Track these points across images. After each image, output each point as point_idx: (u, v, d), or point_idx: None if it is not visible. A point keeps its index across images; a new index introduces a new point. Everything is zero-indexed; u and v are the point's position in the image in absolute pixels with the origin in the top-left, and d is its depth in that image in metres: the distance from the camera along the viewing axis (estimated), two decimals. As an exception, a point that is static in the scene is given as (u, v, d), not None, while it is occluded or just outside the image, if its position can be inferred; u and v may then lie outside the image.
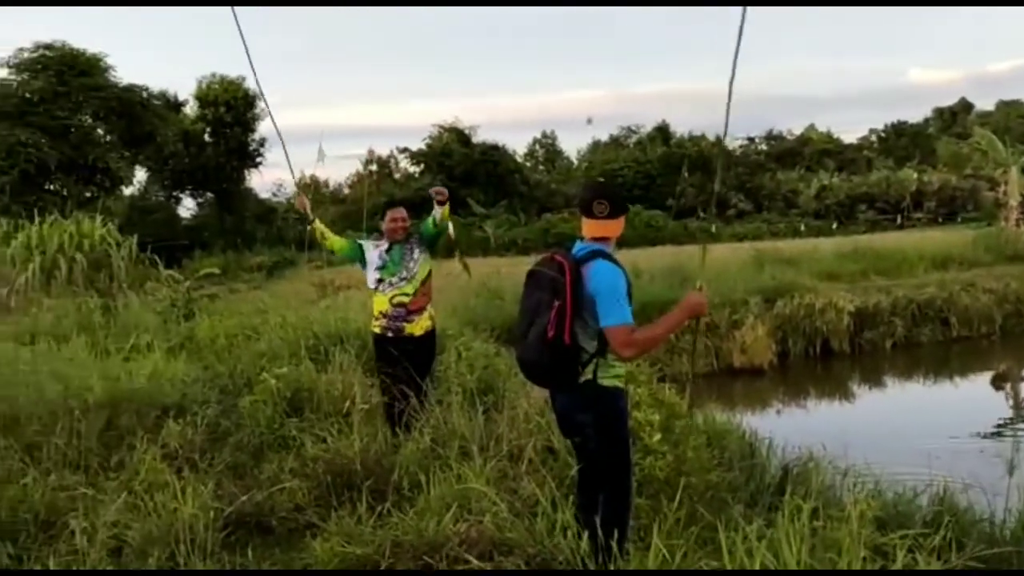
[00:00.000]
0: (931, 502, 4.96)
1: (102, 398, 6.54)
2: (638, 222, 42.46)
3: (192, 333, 10.16)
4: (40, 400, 6.32)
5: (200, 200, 44.20)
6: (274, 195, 50.35)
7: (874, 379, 14.10)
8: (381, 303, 6.03)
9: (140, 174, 40.14)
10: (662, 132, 58.71)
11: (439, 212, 5.96)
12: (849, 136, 69.08)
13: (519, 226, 43.71)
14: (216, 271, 19.53)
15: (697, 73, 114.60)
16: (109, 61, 27.65)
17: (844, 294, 15.38)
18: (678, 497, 3.99)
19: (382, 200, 41.95)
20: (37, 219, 16.68)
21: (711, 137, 55.12)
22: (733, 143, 57.78)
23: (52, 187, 24.95)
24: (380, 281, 6.03)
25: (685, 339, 12.50)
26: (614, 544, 3.51)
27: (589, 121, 71.04)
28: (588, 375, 3.64)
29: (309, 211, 6.52)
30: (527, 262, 22.63)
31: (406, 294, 5.98)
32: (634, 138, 61.68)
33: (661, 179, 51.03)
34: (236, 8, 5.98)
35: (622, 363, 3.78)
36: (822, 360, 14.26)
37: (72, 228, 16.54)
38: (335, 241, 6.43)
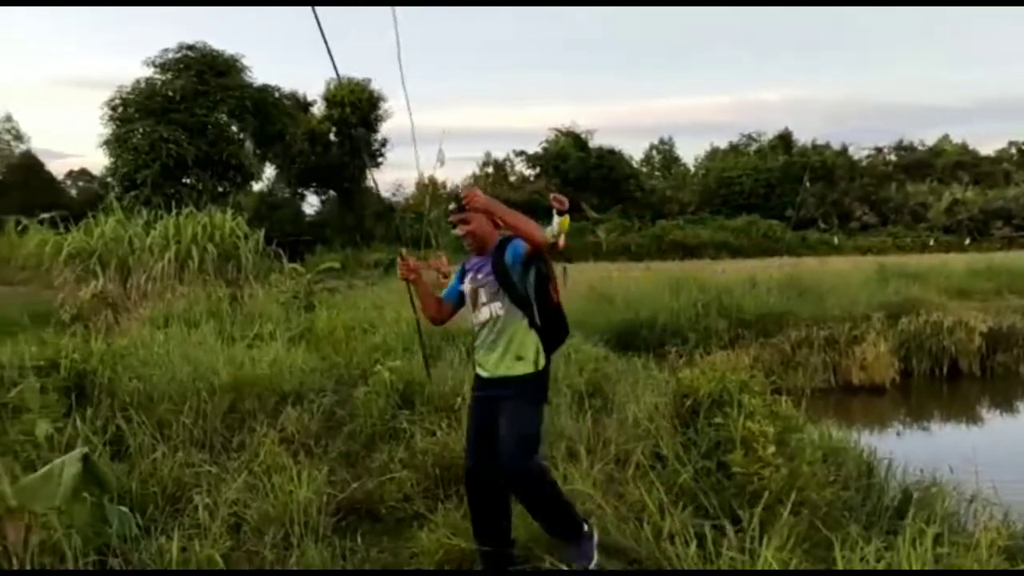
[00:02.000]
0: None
1: (227, 382, 6.85)
2: (754, 232, 41.46)
3: (312, 324, 10.51)
4: (171, 380, 6.68)
5: (323, 197, 45.76)
6: (393, 194, 51.70)
7: (1006, 404, 13.28)
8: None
9: (269, 171, 41.98)
10: (784, 140, 57.16)
11: (558, 222, 5.56)
12: (986, 148, 65.71)
13: (632, 232, 43.36)
14: (336, 266, 20.14)
15: (823, 81, 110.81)
16: (245, 62, 29.10)
17: (975, 313, 14.58)
18: (788, 508, 3.88)
19: (497, 202, 42.15)
20: (174, 211, 17.65)
21: (836, 146, 53.35)
22: (859, 153, 55.66)
23: (189, 181, 26.34)
24: None
25: (801, 353, 12.15)
26: None
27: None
28: None
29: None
30: (639, 268, 22.51)
31: None
32: (754, 146, 60.25)
33: (780, 188, 49.69)
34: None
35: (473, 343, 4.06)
36: (949, 381, 13.52)
37: (205, 220, 17.43)
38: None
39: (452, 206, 3.95)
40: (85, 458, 3.43)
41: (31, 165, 47.24)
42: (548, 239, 3.76)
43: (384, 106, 42.42)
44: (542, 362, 3.89)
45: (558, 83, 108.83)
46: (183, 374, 6.78)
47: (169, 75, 27.42)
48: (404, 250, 4.19)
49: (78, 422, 5.09)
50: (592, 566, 3.72)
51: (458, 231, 3.98)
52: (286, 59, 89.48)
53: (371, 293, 16.08)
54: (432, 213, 41.66)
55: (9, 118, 48.86)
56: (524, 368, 3.85)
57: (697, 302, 13.68)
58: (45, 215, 17.83)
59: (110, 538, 3.92)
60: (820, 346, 12.39)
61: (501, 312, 3.88)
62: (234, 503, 4.46)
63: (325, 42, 4.20)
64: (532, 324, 3.90)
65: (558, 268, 7.77)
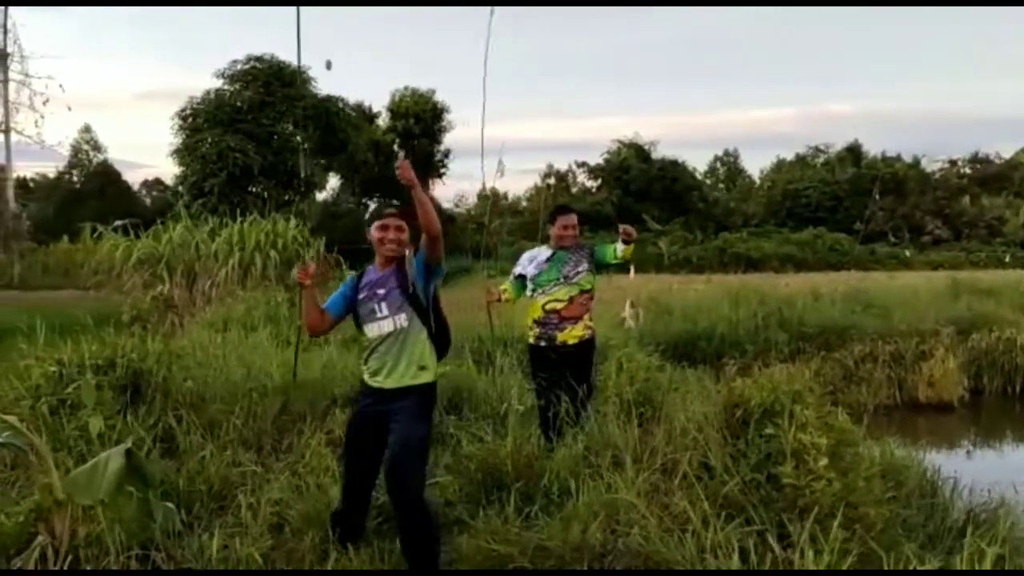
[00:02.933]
0: None
1: (279, 384, 6.94)
2: (820, 245, 40.57)
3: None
4: (224, 382, 6.78)
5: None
6: (456, 205, 52.08)
7: (1084, 426, 12.71)
8: (535, 310, 5.86)
9: (333, 181, 42.69)
10: (853, 152, 55.93)
11: (622, 249, 5.70)
12: (1068, 161, 62.92)
13: (694, 244, 42.85)
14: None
15: (896, 93, 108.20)
16: (310, 73, 29.67)
17: (1054, 331, 13.96)
18: (838, 522, 3.74)
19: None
20: (239, 218, 18.04)
21: (907, 159, 51.96)
22: (932, 166, 54.12)
23: (254, 190, 26.92)
24: (534, 290, 5.89)
25: (865, 368, 11.81)
26: None
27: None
28: None
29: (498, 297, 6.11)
30: (700, 280, 22.24)
31: (559, 300, 5.77)
32: (822, 158, 59.07)
33: (849, 201, 48.57)
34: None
35: (364, 357, 4.22)
36: (1021, 400, 12.99)
37: (268, 228, 17.76)
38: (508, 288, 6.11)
39: (388, 209, 4.29)
40: (128, 453, 3.47)
41: (108, 174, 48.81)
42: (433, 233, 4.12)
43: (448, 117, 42.91)
44: (436, 371, 4.21)
45: (621, 95, 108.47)
46: (237, 376, 6.89)
47: (237, 86, 28.14)
48: (307, 257, 4.31)
49: (130, 419, 5.19)
50: None
51: (391, 236, 4.20)
52: (354, 71, 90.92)
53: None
54: (493, 224, 41.92)
55: (88, 129, 50.62)
56: (427, 377, 4.11)
57: (757, 314, 13.40)
58: (119, 222, 18.35)
59: (154, 533, 3.98)
60: (885, 361, 12.03)
61: (406, 324, 4.06)
62: (277, 503, 4.49)
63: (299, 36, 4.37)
64: (430, 335, 4.15)
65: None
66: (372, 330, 4.12)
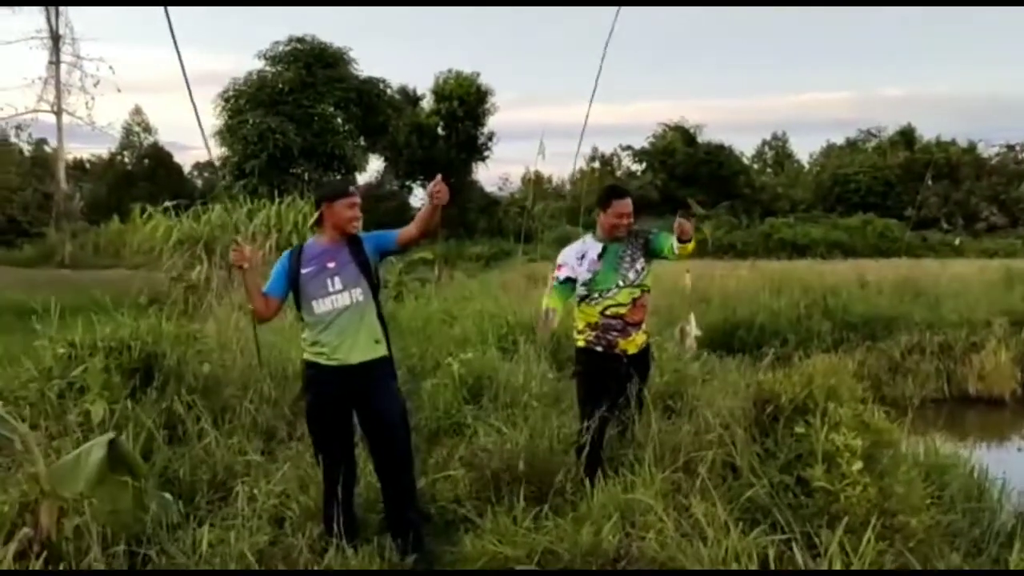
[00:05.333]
0: None
1: (299, 369, 6.78)
2: (870, 231, 39.52)
3: (396, 314, 10.44)
4: (247, 366, 6.65)
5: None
6: (499, 188, 51.82)
7: None
8: (590, 314, 4.89)
9: (377, 163, 42.73)
10: (905, 136, 54.25)
11: (679, 247, 4.69)
12: None
13: (739, 229, 42.06)
14: (429, 257, 20.19)
15: (951, 76, 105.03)
16: (352, 54, 29.63)
17: (1116, 323, 13.28)
18: (873, 532, 3.46)
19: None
20: (276, 200, 18.05)
21: (962, 143, 50.34)
22: (989, 150, 52.36)
23: (295, 171, 26.98)
24: (586, 297, 4.91)
25: (912, 359, 11.33)
26: None
27: None
28: None
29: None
30: (745, 266, 21.67)
31: (622, 304, 4.83)
32: (873, 142, 57.53)
33: (900, 186, 47.24)
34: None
35: (311, 334, 4.06)
36: (1080, 396, 12.40)
37: (307, 209, 17.72)
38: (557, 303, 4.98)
39: (352, 187, 4.19)
40: (112, 443, 3.31)
41: (159, 156, 49.46)
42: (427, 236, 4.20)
43: (492, 100, 42.61)
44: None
45: (668, 77, 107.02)
46: (256, 359, 6.75)
47: (279, 67, 28.16)
48: (239, 238, 4.09)
49: (134, 404, 5.07)
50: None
51: (358, 214, 4.07)
52: (397, 54, 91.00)
53: (461, 286, 16.01)
54: (536, 207, 41.56)
55: (139, 111, 51.25)
56: (383, 350, 4.07)
57: (800, 302, 12.96)
58: (168, 203, 18.49)
59: (149, 524, 3.84)
60: (933, 353, 11.51)
61: (361, 298, 4.00)
62: (280, 495, 4.32)
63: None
64: (378, 310, 4.11)
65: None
66: (323, 305, 3.99)
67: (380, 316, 4.12)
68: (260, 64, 28.51)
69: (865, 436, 4.19)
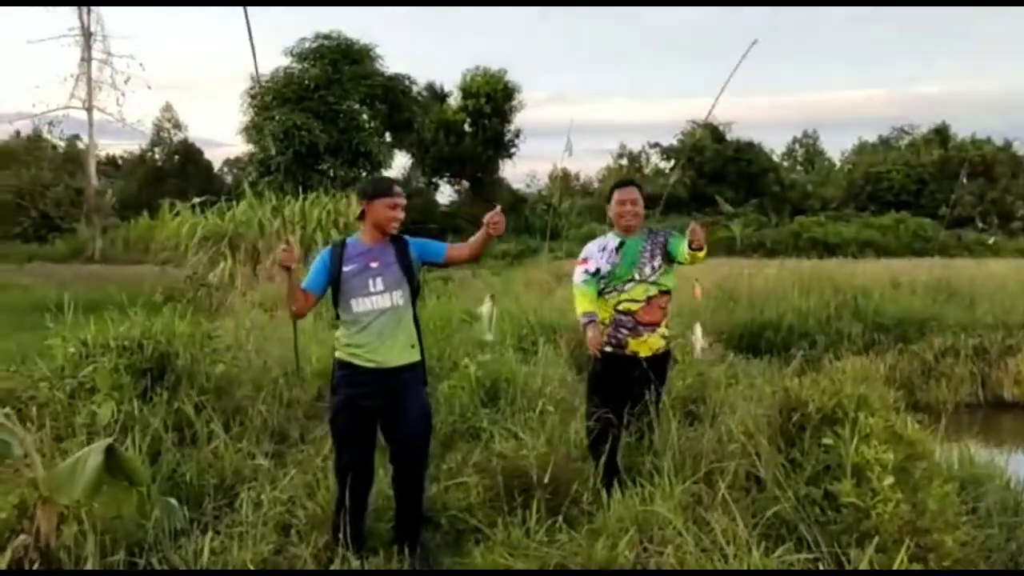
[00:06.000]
0: None
1: (318, 368, 6.69)
2: (903, 230, 38.84)
3: (418, 312, 10.32)
4: (262, 366, 6.56)
5: (456, 187, 46.21)
6: (527, 186, 51.66)
7: None
8: (603, 309, 4.76)
9: (403, 160, 42.78)
10: (940, 134, 53.31)
11: (688, 253, 4.56)
12: None
13: (768, 227, 41.55)
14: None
15: (988, 73, 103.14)
16: (378, 51, 29.59)
17: None
18: (905, 553, 3.27)
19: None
20: (301, 196, 18.04)
21: (998, 141, 49.35)
22: (1026, 147, 51.29)
23: (320, 168, 27.00)
24: (602, 291, 4.80)
25: (946, 362, 11.01)
26: None
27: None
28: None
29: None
30: (773, 265, 21.30)
31: (635, 300, 4.71)
32: (907, 139, 56.61)
33: (934, 185, 46.42)
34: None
35: (348, 332, 3.99)
36: (1121, 402, 11.99)
37: (330, 206, 17.70)
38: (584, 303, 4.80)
39: (396, 187, 4.06)
40: (110, 449, 3.21)
41: (189, 152, 49.90)
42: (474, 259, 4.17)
43: (519, 96, 42.45)
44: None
45: (698, 74, 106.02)
46: (271, 358, 6.67)
47: (305, 64, 28.18)
48: (291, 238, 3.92)
49: (141, 406, 4.97)
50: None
51: (399, 216, 4.01)
52: (424, 51, 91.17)
53: (484, 283, 15.87)
54: (564, 204, 41.35)
55: (169, 107, 51.72)
56: (417, 355, 4.07)
57: (830, 303, 12.66)
58: (197, 200, 18.58)
59: (153, 532, 3.74)
60: (968, 356, 11.16)
61: (401, 301, 3.98)
62: (287, 502, 4.20)
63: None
64: (414, 315, 4.09)
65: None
66: (362, 305, 3.94)
67: (416, 321, 4.10)
68: (287, 61, 28.68)
69: (897, 448, 3.99)
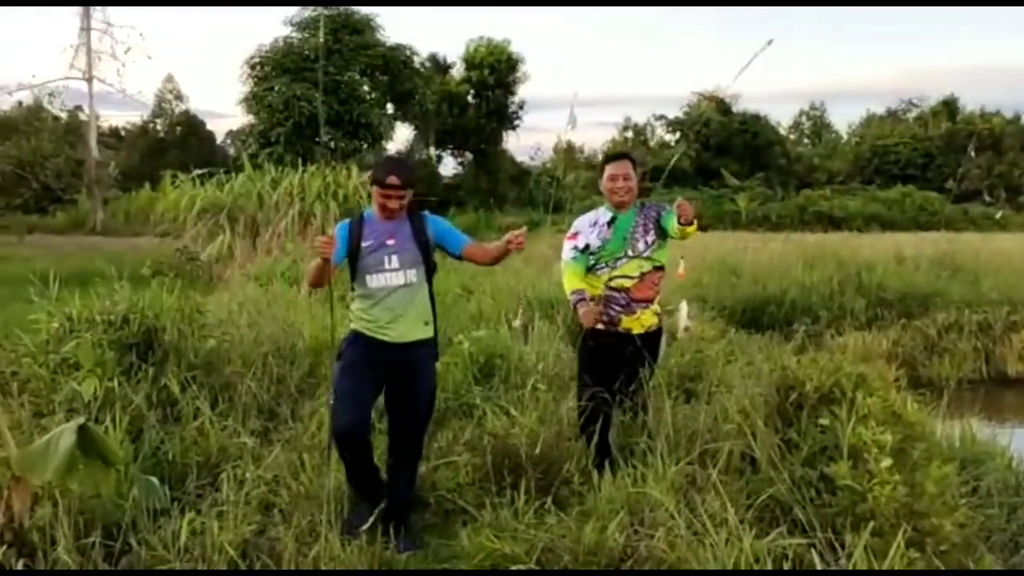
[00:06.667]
0: None
1: (310, 344, 6.59)
2: (909, 204, 38.55)
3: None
4: (254, 341, 6.45)
5: (460, 160, 45.93)
6: (531, 158, 51.34)
7: None
8: (594, 286, 4.60)
9: (406, 131, 42.47)
10: (948, 107, 52.75)
11: (677, 228, 4.38)
12: None
13: (774, 201, 41.27)
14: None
15: (995, 46, 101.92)
16: (379, 21, 29.18)
17: None
18: (902, 538, 3.17)
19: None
20: (300, 168, 17.85)
21: (1007, 114, 48.85)
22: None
23: (320, 139, 26.70)
24: (593, 267, 4.65)
25: (949, 338, 10.88)
26: None
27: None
28: None
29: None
30: (778, 239, 21.08)
31: (628, 276, 4.54)
32: (914, 112, 56.05)
33: (942, 158, 46.00)
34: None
35: (362, 305, 4.03)
36: None
37: (330, 178, 17.51)
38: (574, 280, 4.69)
39: (393, 175, 3.95)
40: (83, 429, 3.11)
41: (191, 123, 49.61)
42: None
43: (523, 68, 42.01)
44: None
45: (704, 47, 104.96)
46: (264, 334, 6.57)
47: (306, 33, 27.82)
48: (330, 232, 3.90)
49: (124, 382, 4.87)
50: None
51: (391, 204, 3.94)
52: (428, 22, 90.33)
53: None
54: (568, 177, 41.07)
55: (171, 79, 51.34)
56: (430, 332, 4.08)
57: (833, 277, 12.51)
58: (198, 172, 18.40)
59: (136, 511, 3.65)
60: (972, 332, 11.03)
61: (415, 279, 4.00)
62: (272, 481, 4.12)
63: None
64: (430, 292, 4.10)
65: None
66: (376, 281, 3.97)
67: (432, 297, 4.13)
68: (287, 30, 28.30)
69: (896, 429, 3.88)
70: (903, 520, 3.43)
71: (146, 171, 34.26)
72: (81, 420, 3.11)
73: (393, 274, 3.96)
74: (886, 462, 3.54)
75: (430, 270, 4.09)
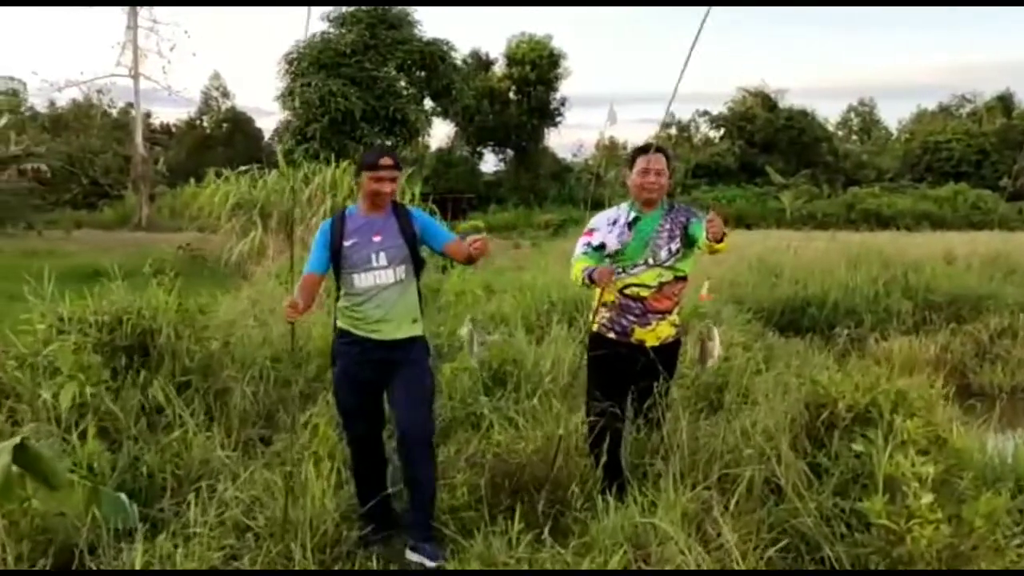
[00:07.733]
0: None
1: (319, 346, 6.31)
2: (961, 202, 37.31)
3: (440, 285, 9.92)
4: (260, 343, 6.20)
5: (501, 156, 45.68)
6: (574, 155, 50.89)
7: None
8: (608, 292, 4.13)
9: (447, 128, 42.29)
10: (1003, 102, 51.05)
11: (705, 244, 3.88)
12: None
13: (820, 198, 40.30)
14: (480, 225, 19.69)
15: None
16: (416, 16, 28.99)
17: None
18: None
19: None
20: (333, 164, 17.67)
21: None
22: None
23: (356, 135, 26.61)
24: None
25: (1002, 344, 10.25)
26: None
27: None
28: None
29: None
30: (823, 237, 20.42)
31: (645, 285, 4.09)
32: (968, 108, 54.36)
33: (996, 155, 44.50)
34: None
35: (350, 303, 3.88)
36: None
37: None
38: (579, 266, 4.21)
39: (384, 159, 3.80)
40: (21, 446, 2.82)
41: (237, 120, 50.02)
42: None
43: (564, 64, 41.60)
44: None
45: (751, 41, 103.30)
46: (273, 335, 6.31)
47: (342, 29, 27.71)
48: (292, 297, 3.74)
49: (110, 388, 4.61)
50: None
51: (386, 190, 3.82)
52: (467, 18, 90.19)
53: (521, 254, 15.40)
54: (609, 174, 40.54)
55: (217, 76, 51.80)
56: (420, 329, 3.96)
57: (878, 278, 11.91)
58: (243, 168, 18.39)
59: (103, 531, 3.38)
60: None
61: (404, 276, 3.86)
62: (251, 501, 3.80)
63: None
64: (418, 288, 3.96)
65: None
66: (364, 280, 3.83)
67: (420, 294, 4.02)
68: (324, 26, 28.23)
69: (939, 457, 3.45)
70: (946, 564, 3.00)
71: (192, 167, 34.48)
72: (17, 439, 2.81)
73: (382, 272, 3.82)
74: (927, 498, 3.10)
75: (418, 265, 3.95)
